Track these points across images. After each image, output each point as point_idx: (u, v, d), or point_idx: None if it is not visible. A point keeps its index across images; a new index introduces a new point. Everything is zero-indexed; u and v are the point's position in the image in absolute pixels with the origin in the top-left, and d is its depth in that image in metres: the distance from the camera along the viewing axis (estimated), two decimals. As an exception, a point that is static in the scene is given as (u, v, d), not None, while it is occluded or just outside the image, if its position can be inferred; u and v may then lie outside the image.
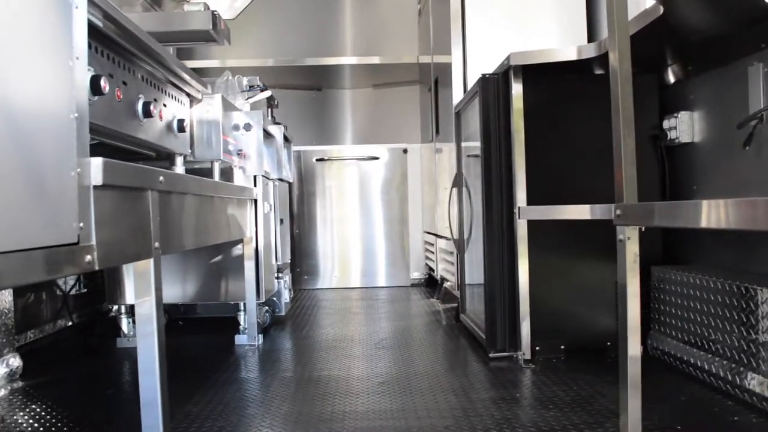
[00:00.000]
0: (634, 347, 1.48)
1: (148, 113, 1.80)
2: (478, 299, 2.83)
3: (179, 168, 2.23)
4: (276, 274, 3.45)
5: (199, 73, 2.42)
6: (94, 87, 1.43)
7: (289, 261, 4.16)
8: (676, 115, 2.50)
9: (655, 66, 2.57)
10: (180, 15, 3.42)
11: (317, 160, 5.07)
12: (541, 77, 2.50)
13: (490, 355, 2.56)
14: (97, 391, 2.27)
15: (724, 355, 2.02)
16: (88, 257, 1.21)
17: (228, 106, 2.64)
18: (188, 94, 2.31)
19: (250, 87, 3.39)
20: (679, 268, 2.35)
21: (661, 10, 1.80)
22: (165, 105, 2.03)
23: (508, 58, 2.45)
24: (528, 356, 2.48)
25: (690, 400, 1.98)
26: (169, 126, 2.06)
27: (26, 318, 2.78)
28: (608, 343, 2.54)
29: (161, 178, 1.59)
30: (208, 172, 2.49)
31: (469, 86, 3.30)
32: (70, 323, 3.15)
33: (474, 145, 2.77)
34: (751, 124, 2.06)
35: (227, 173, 2.80)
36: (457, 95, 3.45)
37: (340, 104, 5.90)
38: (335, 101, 5.91)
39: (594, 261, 2.55)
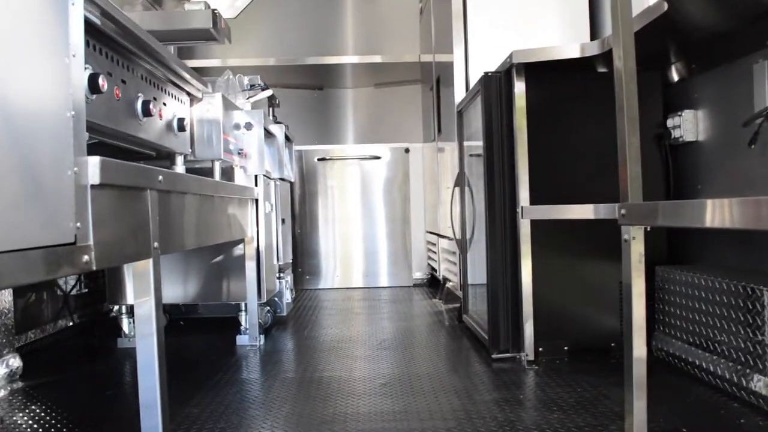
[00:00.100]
0: (639, 348, 1.46)
1: (147, 112, 1.78)
2: (480, 299, 2.82)
3: (180, 167, 2.21)
4: (277, 274, 3.43)
5: (200, 73, 2.41)
6: (92, 85, 1.42)
7: (291, 261, 4.14)
8: (680, 113, 2.48)
9: (658, 64, 2.55)
10: (180, 14, 3.40)
11: (319, 159, 5.05)
12: (544, 75, 2.48)
13: (493, 356, 2.54)
14: (97, 392, 2.26)
15: (729, 356, 2.00)
16: (86, 257, 1.19)
17: (229, 105, 2.62)
18: (188, 93, 2.29)
19: (251, 86, 3.38)
20: (684, 269, 2.33)
21: (666, 6, 1.78)
22: (165, 104, 2.02)
23: (510, 56, 2.43)
24: (531, 357, 2.46)
25: (695, 402, 1.95)
26: (169, 125, 2.04)
27: (27, 318, 2.76)
28: (612, 344, 2.52)
29: (160, 177, 1.57)
30: (208, 172, 2.48)
31: (471, 85, 3.28)
32: (70, 323, 3.14)
33: (476, 144, 2.75)
34: (757, 122, 2.04)
35: (228, 173, 2.79)
36: (459, 94, 3.43)
37: (342, 103, 5.89)
38: (337, 100, 5.89)
39: (598, 261, 2.53)
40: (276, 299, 3.46)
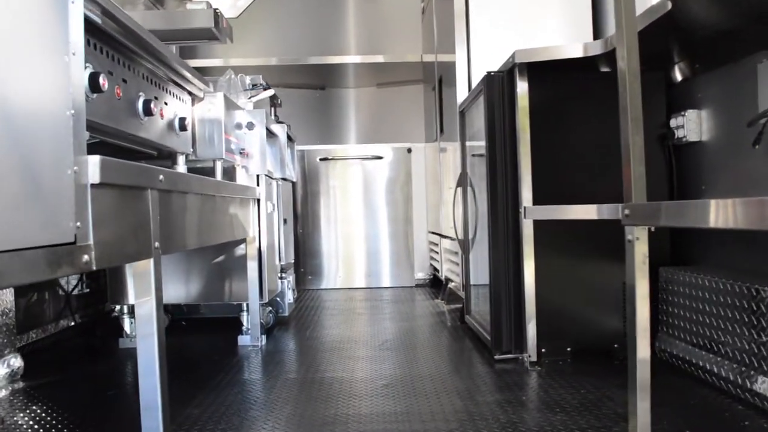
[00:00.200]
0: (643, 350, 1.45)
1: (148, 111, 1.78)
2: (483, 300, 2.81)
3: (181, 167, 2.20)
4: (279, 275, 3.42)
5: (202, 72, 2.40)
6: (93, 84, 1.41)
7: (293, 261, 4.14)
8: (683, 113, 2.47)
9: (662, 64, 2.54)
10: (182, 13, 3.40)
11: (321, 159, 5.05)
12: (547, 75, 2.47)
13: (496, 357, 2.53)
14: (98, 392, 2.25)
15: (733, 358, 1.99)
16: (86, 257, 1.18)
17: (230, 105, 2.61)
18: (190, 93, 2.29)
19: (253, 86, 3.37)
20: (688, 269, 2.31)
21: (669, 5, 1.77)
22: (166, 103, 2.01)
23: (513, 56, 2.42)
24: (534, 358, 2.44)
25: (699, 404, 1.94)
26: (170, 124, 2.04)
27: (28, 318, 2.76)
28: (615, 345, 2.50)
29: (161, 176, 1.57)
30: (210, 172, 2.47)
31: (474, 85, 3.27)
32: (72, 323, 3.13)
33: (479, 144, 2.74)
34: (761, 122, 2.03)
35: (230, 172, 2.78)
36: (462, 94, 3.42)
37: (344, 103, 5.88)
38: (339, 100, 5.88)
39: (601, 261, 2.52)
40: (278, 299, 3.45)
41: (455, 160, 3.54)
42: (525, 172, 2.45)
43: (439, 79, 4.25)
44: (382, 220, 5.05)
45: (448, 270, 3.96)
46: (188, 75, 2.15)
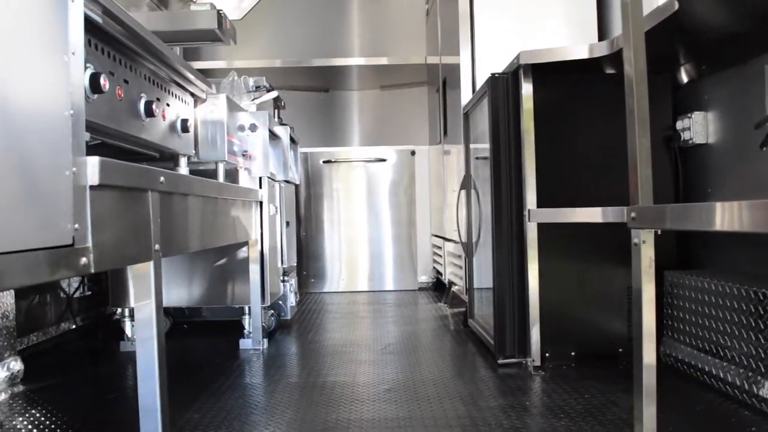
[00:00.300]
0: (649, 354, 1.43)
1: (150, 113, 1.76)
2: (486, 304, 2.78)
3: (183, 169, 2.19)
4: (282, 278, 3.41)
5: (205, 74, 2.39)
6: (94, 85, 1.40)
7: (295, 264, 4.12)
8: (689, 115, 2.45)
9: (668, 66, 2.52)
10: (185, 14, 3.39)
11: (324, 161, 5.03)
12: (552, 77, 2.45)
13: (499, 361, 2.51)
14: (98, 396, 2.24)
15: (740, 363, 1.96)
16: (84, 260, 1.17)
17: (233, 107, 2.60)
18: (192, 94, 2.28)
19: (256, 88, 3.36)
20: (693, 273, 2.29)
21: (677, 5, 1.75)
22: (168, 104, 2.00)
23: (517, 57, 2.40)
24: (537, 363, 2.42)
25: (705, 409, 1.92)
26: (172, 126, 2.02)
27: (29, 320, 2.75)
28: (620, 350, 2.48)
29: (162, 178, 1.55)
30: (212, 174, 2.46)
31: (478, 87, 3.25)
32: (73, 326, 3.12)
33: (483, 146, 2.72)
34: (769, 124, 2.01)
35: (232, 174, 2.77)
36: (466, 96, 3.40)
37: (348, 105, 5.87)
38: (342, 102, 5.87)
39: (605, 265, 2.50)
40: (280, 302, 3.43)
41: (459, 162, 3.52)
42: (529, 174, 2.43)
43: (443, 81, 4.23)
44: (385, 223, 5.03)
45: (452, 273, 3.94)
46: (190, 76, 2.13)
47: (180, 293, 3.00)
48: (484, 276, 2.82)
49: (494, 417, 1.88)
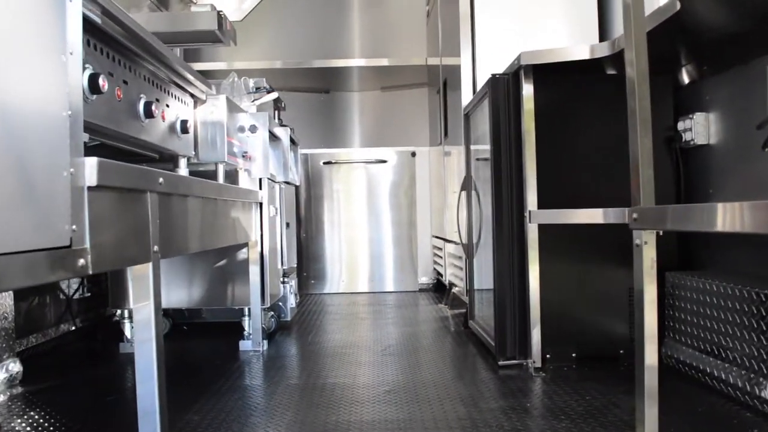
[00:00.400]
0: (651, 356, 1.42)
1: (149, 113, 1.75)
2: (487, 305, 2.78)
3: (183, 170, 2.18)
4: (282, 279, 3.40)
5: (206, 76, 2.38)
6: (93, 85, 1.39)
7: (296, 265, 4.11)
8: (691, 116, 2.44)
9: (669, 67, 2.51)
10: (185, 15, 3.39)
11: (325, 163, 5.02)
12: (553, 77, 2.44)
13: (500, 362, 2.50)
14: (97, 398, 2.23)
15: (742, 364, 1.95)
16: (81, 261, 1.16)
17: (233, 108, 2.59)
18: (192, 95, 2.27)
19: (256, 89, 3.36)
20: (695, 274, 2.28)
21: (678, 5, 1.74)
22: (168, 105, 1.99)
23: (518, 58, 2.39)
24: (538, 364, 2.41)
25: (707, 411, 1.91)
26: (171, 127, 2.02)
27: (29, 322, 2.74)
28: (621, 351, 2.47)
29: (161, 179, 1.54)
30: (212, 175, 2.45)
31: (479, 88, 3.24)
32: (73, 327, 3.11)
33: (483, 147, 2.72)
34: (771, 125, 2.00)
35: (232, 176, 2.76)
36: (466, 97, 3.40)
37: (348, 107, 5.86)
38: (343, 104, 5.86)
39: (606, 266, 2.49)
40: (280, 304, 3.42)
41: (459, 163, 3.52)
42: (530, 175, 2.42)
43: (444, 82, 4.23)
44: (385, 224, 5.03)
45: (452, 274, 3.93)
46: (190, 77, 2.13)
47: (180, 294, 2.99)
48: (484, 277, 2.81)
49: (495, 419, 1.87)
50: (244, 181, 2.84)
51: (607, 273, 2.49)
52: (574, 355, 2.47)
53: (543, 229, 2.41)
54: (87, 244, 1.18)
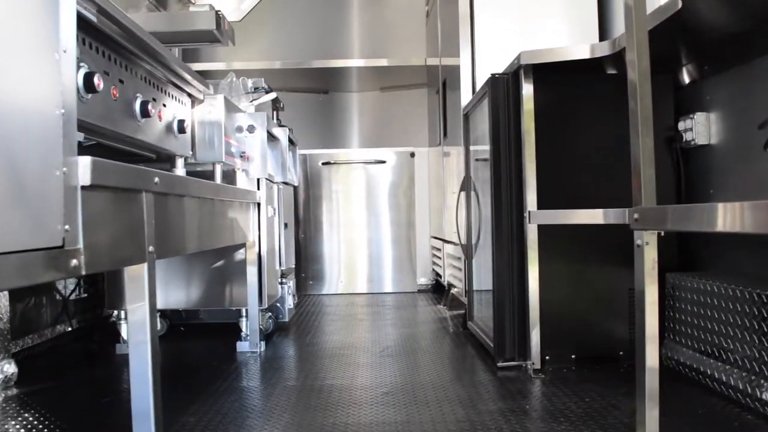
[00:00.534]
0: (652, 358, 1.41)
1: (146, 113, 1.74)
2: (486, 306, 2.76)
3: (180, 170, 2.17)
4: (279, 280, 3.38)
5: (205, 76, 2.37)
6: (88, 84, 1.38)
7: (294, 266, 4.10)
8: (691, 116, 2.43)
9: (669, 66, 2.50)
10: (183, 15, 3.37)
11: (323, 163, 5.01)
12: (553, 77, 2.43)
13: (499, 364, 2.48)
14: (93, 399, 2.21)
15: (743, 366, 1.94)
16: (74, 261, 1.14)
17: (231, 108, 2.58)
18: (189, 95, 2.25)
19: (254, 89, 3.34)
20: (696, 275, 2.27)
21: (680, 4, 1.73)
22: (165, 105, 1.97)
23: (518, 57, 2.38)
24: (537, 366, 2.40)
25: (708, 413, 1.89)
26: (168, 127, 2.00)
27: (24, 323, 2.72)
28: (621, 353, 2.46)
29: (156, 179, 1.53)
30: (210, 175, 2.43)
31: (478, 88, 3.23)
32: (69, 328, 3.10)
33: (483, 148, 2.70)
34: (772, 125, 1.99)
35: (230, 176, 2.74)
36: (466, 97, 3.38)
37: (347, 107, 5.85)
38: (342, 104, 5.85)
39: (606, 267, 2.47)
40: (278, 305, 3.41)
41: (459, 164, 3.50)
42: (530, 175, 2.40)
43: (443, 82, 4.21)
44: (384, 225, 5.01)
45: (451, 275, 3.92)
46: (187, 77, 2.11)
47: (177, 295, 2.97)
48: (483, 278, 2.80)
49: (494, 421, 1.85)
50: (242, 182, 2.82)
51: (607, 274, 2.47)
52: (573, 356, 2.46)
53: (542, 229, 2.39)
54: (80, 245, 1.17)
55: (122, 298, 2.85)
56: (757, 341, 1.87)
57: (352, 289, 5.00)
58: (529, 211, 2.39)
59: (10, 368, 2.33)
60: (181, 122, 2.06)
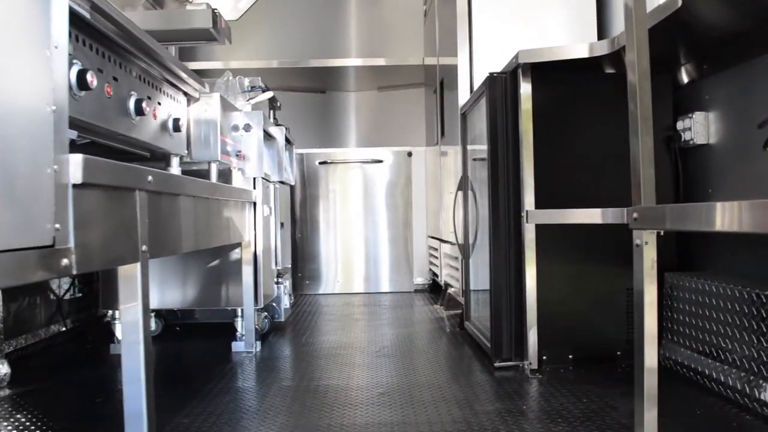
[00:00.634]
0: (651, 358, 1.40)
1: (140, 111, 1.72)
2: (483, 306, 2.75)
3: (175, 169, 2.15)
4: (276, 279, 3.37)
5: (201, 75, 2.35)
6: (81, 81, 1.36)
7: (290, 266, 4.08)
8: (690, 115, 2.42)
9: (668, 66, 2.48)
10: (180, 13, 3.35)
11: (320, 163, 4.99)
12: (551, 76, 2.42)
13: (496, 364, 2.47)
14: (86, 400, 2.19)
15: (741, 366, 1.93)
16: (65, 261, 1.12)
17: (227, 106, 2.56)
18: (185, 93, 2.23)
19: (251, 88, 3.32)
20: (694, 275, 2.25)
21: (679, 2, 1.71)
22: (160, 103, 1.95)
23: (516, 56, 2.36)
24: (535, 366, 2.39)
25: (706, 413, 1.88)
26: (164, 125, 1.98)
27: (18, 323, 2.70)
28: (618, 353, 2.45)
29: (150, 177, 1.51)
30: (206, 174, 2.41)
31: (476, 88, 3.22)
32: (63, 328, 3.08)
33: (480, 147, 2.69)
34: (771, 124, 1.97)
35: (226, 175, 2.72)
36: (463, 97, 3.37)
37: (345, 106, 5.83)
38: (339, 103, 5.83)
39: (604, 267, 2.46)
40: (274, 305, 3.39)
41: (456, 163, 3.49)
42: (527, 175, 2.39)
43: (441, 82, 4.20)
44: (381, 225, 5.00)
45: (448, 275, 3.90)
46: (183, 75, 2.09)
47: (172, 295, 2.95)
48: (480, 278, 2.79)
49: (490, 421, 1.84)
50: (238, 181, 2.81)
51: (604, 274, 2.46)
52: (570, 356, 2.44)
53: (540, 229, 2.38)
54: (71, 244, 1.15)
55: (117, 298, 2.82)
56: (755, 341, 1.86)
57: (349, 289, 4.98)
58: (527, 211, 2.37)
59: (3, 369, 2.31)
60: (176, 120, 2.04)
